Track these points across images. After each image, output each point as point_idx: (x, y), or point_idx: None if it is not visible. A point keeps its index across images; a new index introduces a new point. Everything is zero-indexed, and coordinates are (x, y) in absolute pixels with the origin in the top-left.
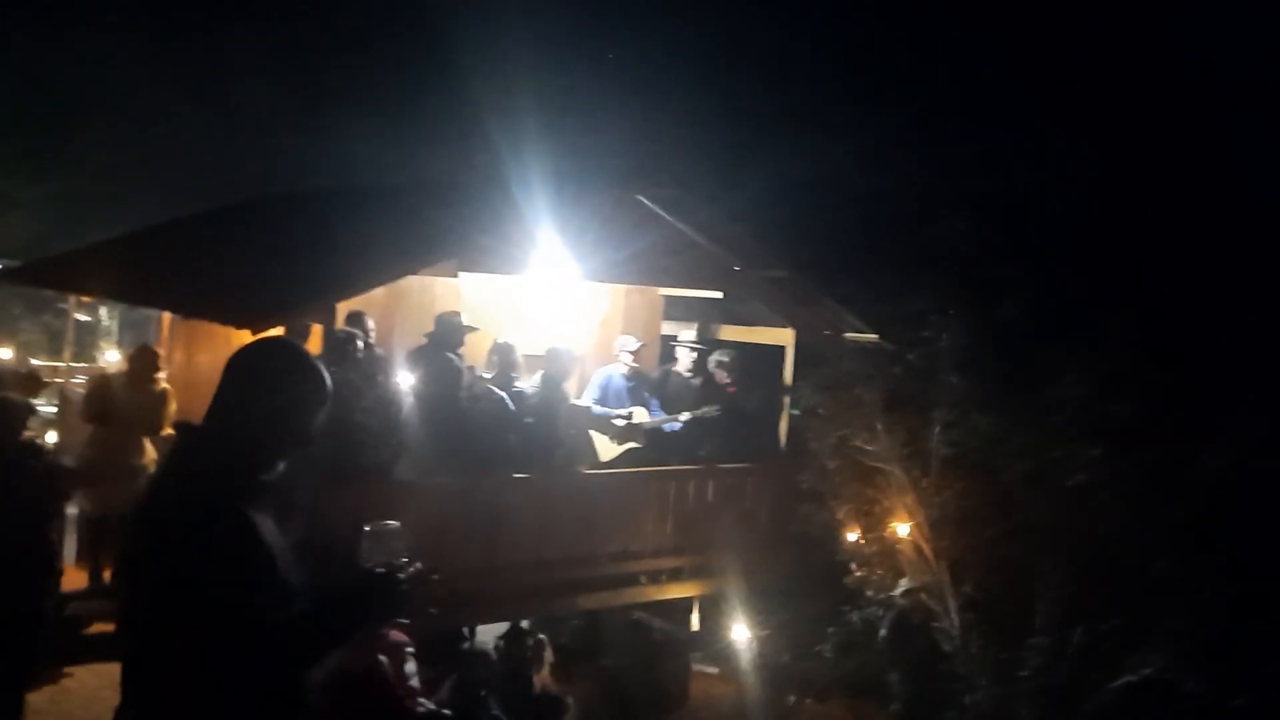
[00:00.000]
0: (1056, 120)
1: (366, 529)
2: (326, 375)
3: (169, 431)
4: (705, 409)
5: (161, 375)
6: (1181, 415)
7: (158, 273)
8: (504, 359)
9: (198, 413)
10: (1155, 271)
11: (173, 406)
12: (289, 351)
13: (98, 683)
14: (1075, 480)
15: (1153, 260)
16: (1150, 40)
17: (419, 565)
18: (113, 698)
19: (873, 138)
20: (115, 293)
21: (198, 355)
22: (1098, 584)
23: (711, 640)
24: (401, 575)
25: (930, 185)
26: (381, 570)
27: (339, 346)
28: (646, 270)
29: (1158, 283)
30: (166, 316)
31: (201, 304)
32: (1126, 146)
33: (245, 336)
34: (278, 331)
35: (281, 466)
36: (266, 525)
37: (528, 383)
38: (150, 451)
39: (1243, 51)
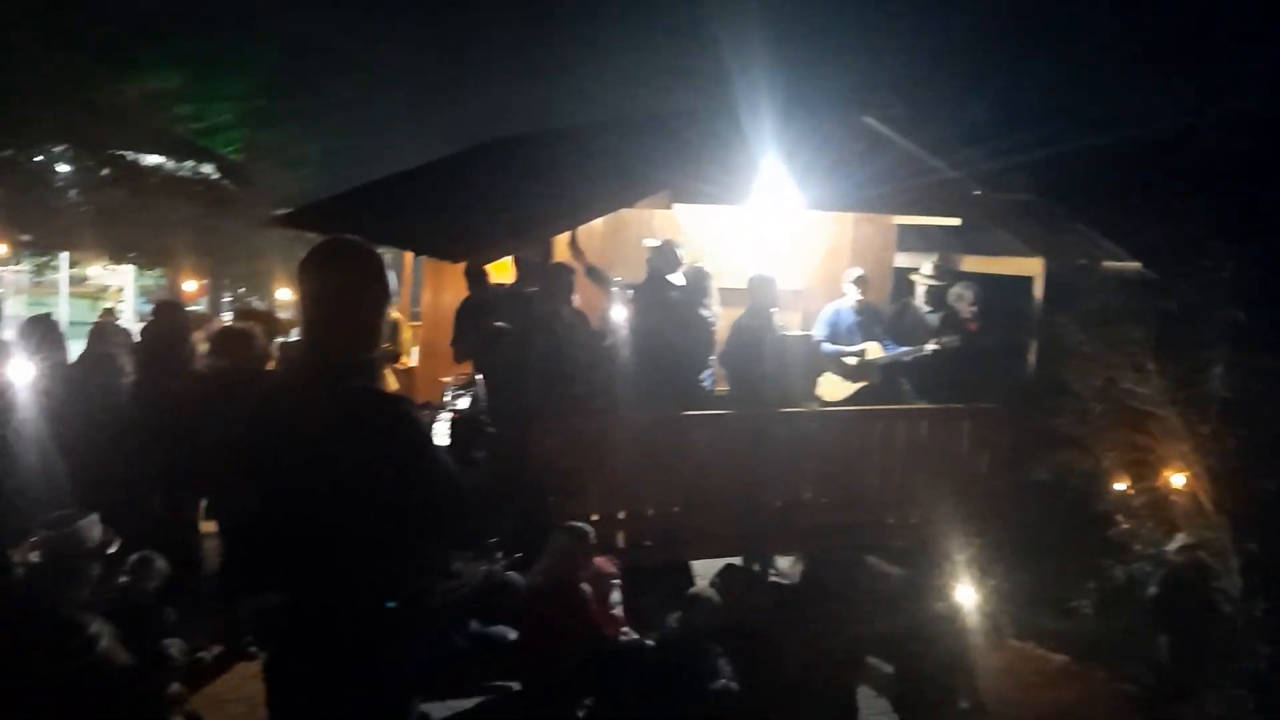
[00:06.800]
0: None
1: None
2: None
3: (406, 362)
4: (948, 337)
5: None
6: None
7: (392, 214)
8: (695, 283)
9: (442, 346)
10: None
11: (406, 334)
12: (361, 246)
13: None
14: None
15: None
16: None
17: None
18: None
19: (1133, 50)
20: (358, 234)
21: (443, 293)
22: None
23: (952, 590)
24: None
25: (1199, 102)
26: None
27: (553, 279)
28: (876, 198)
29: None
30: (409, 255)
31: (427, 241)
32: None
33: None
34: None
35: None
36: None
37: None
38: (392, 380)
39: None
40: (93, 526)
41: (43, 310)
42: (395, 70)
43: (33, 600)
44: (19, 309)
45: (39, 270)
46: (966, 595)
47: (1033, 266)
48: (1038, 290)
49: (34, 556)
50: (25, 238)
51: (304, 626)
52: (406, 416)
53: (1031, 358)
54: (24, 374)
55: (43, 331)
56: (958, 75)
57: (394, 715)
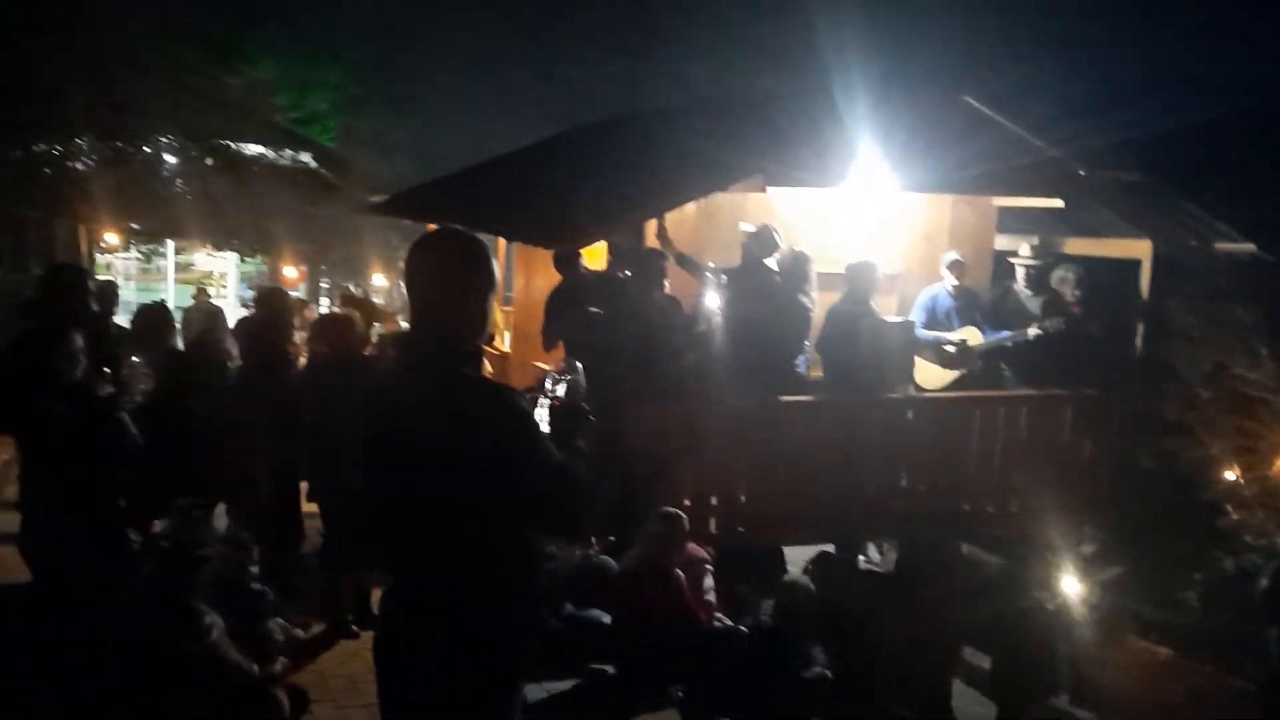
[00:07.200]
0: None
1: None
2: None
3: (499, 346)
4: (1051, 321)
5: None
6: None
7: (485, 201)
8: (794, 268)
9: (534, 331)
10: None
11: (498, 318)
12: (467, 236)
13: None
14: None
15: None
16: None
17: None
18: None
19: (1246, 16)
20: (452, 220)
21: (535, 278)
22: None
23: (1052, 581)
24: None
25: None
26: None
27: (646, 264)
28: (976, 179)
29: None
30: (501, 242)
31: (520, 228)
32: None
33: None
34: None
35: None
36: None
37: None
38: (486, 365)
39: None
40: (220, 517)
41: (152, 296)
42: (487, 55)
43: (156, 586)
44: (129, 295)
45: (147, 257)
46: (1067, 585)
47: (1140, 248)
48: (1145, 273)
49: (162, 543)
50: (135, 225)
51: (414, 608)
52: (514, 405)
53: (1138, 342)
54: (140, 359)
55: (156, 318)
56: (1059, 48)
57: (502, 696)
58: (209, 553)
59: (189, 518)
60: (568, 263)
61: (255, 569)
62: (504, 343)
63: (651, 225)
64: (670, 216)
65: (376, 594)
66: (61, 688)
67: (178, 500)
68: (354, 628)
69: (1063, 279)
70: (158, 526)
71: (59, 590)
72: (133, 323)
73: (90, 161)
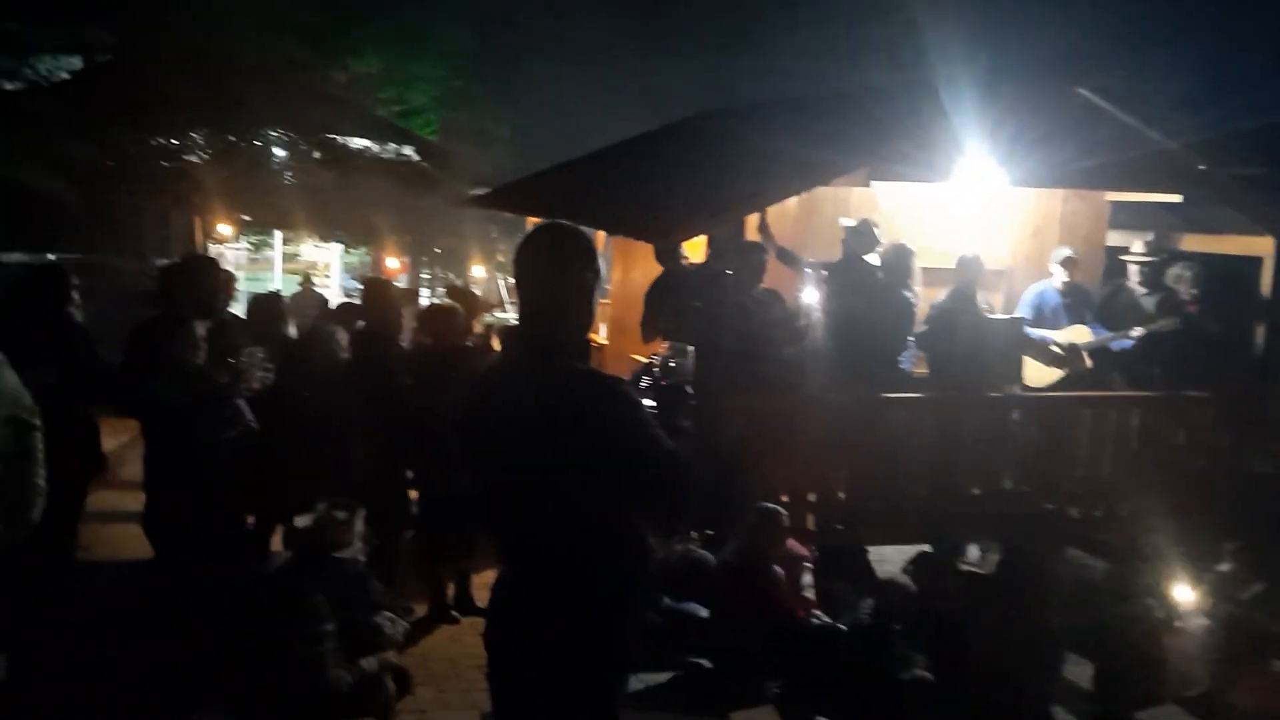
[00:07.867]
0: None
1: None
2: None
3: (595, 338)
4: (1163, 322)
5: None
6: None
7: (585, 194)
8: (897, 262)
9: (631, 323)
10: None
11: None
12: (575, 230)
13: None
14: None
15: None
16: None
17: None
18: None
19: None
20: (552, 214)
21: (632, 271)
22: None
23: (1162, 588)
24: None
25: None
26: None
27: (746, 258)
28: (1088, 173)
29: None
30: (601, 234)
31: (621, 221)
32: None
33: None
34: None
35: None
36: None
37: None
38: None
39: None
40: (359, 520)
41: (260, 285)
42: (586, 49)
43: (285, 585)
44: (239, 285)
45: (257, 248)
46: (1179, 593)
47: (1262, 245)
48: (1267, 271)
49: (300, 541)
50: (246, 217)
51: (525, 597)
52: (624, 395)
53: (1258, 343)
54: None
55: (270, 307)
56: (1178, 36)
57: (611, 685)
58: (344, 556)
59: (331, 519)
60: (669, 256)
61: (363, 558)
62: (600, 335)
63: (753, 219)
64: (772, 210)
65: (476, 581)
66: (171, 663)
67: (320, 501)
68: (454, 613)
69: (1179, 277)
70: (295, 517)
71: (179, 570)
72: (248, 312)
73: (204, 155)
